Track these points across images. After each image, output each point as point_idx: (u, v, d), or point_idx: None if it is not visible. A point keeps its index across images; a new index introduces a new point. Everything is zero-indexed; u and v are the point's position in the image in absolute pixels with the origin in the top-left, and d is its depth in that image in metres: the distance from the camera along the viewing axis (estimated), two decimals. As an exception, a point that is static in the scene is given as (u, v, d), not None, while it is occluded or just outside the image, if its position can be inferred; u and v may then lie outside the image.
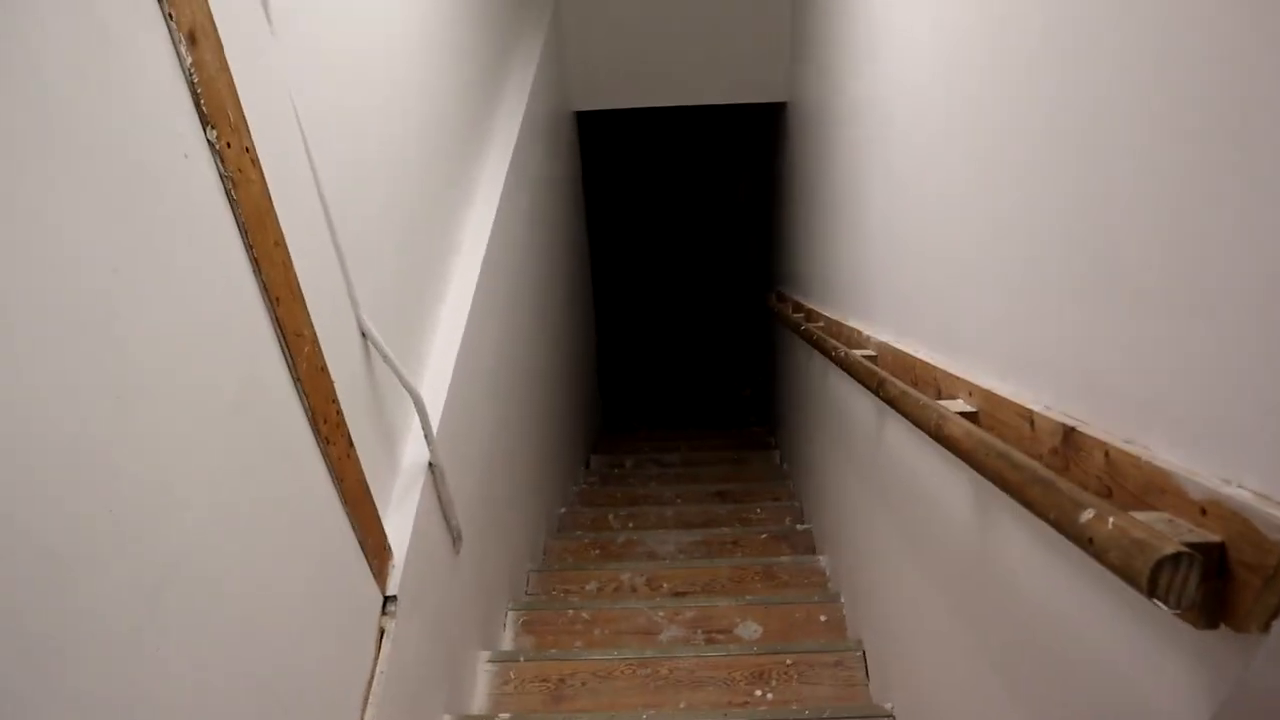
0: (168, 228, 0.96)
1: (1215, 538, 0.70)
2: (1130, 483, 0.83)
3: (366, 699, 1.53)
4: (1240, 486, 0.70)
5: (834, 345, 2.12)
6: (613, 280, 6.43)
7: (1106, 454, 0.87)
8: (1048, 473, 0.88)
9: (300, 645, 1.29)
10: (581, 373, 4.81)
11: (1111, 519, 0.73)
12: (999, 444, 1.01)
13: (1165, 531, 0.71)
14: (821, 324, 2.63)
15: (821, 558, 3.04)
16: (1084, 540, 0.76)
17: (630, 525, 3.75)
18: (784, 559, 3.11)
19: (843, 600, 2.63)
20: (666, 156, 6.34)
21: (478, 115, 2.67)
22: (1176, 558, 0.65)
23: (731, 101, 3.97)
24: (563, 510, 3.89)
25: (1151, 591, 0.66)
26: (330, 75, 1.54)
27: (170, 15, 0.95)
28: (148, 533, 0.89)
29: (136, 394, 0.88)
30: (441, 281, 2.23)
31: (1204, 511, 0.72)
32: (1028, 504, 0.89)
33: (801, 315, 3.04)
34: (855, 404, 2.26)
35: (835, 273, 2.62)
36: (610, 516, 3.85)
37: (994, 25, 1.23)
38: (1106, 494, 0.87)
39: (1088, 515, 0.76)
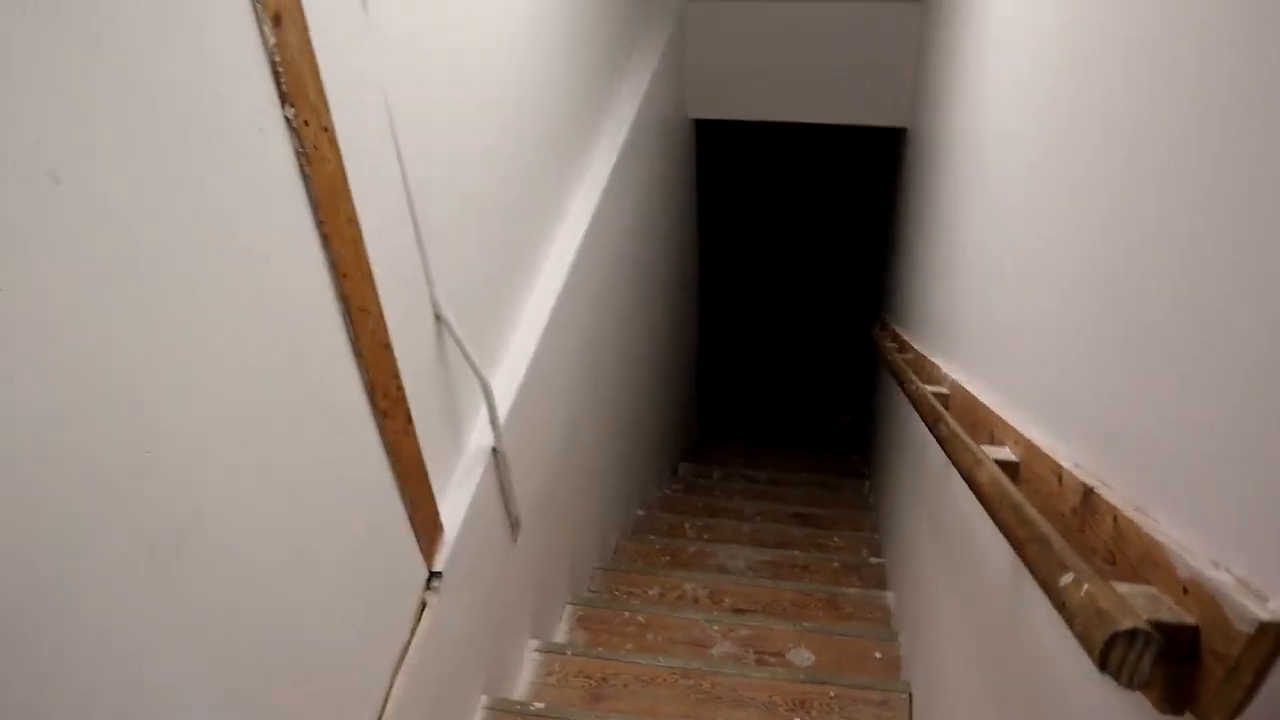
0: (236, 195, 1.02)
1: (1190, 620, 0.67)
2: (1131, 552, 0.80)
3: (399, 667, 1.58)
4: (1226, 570, 0.66)
5: (910, 378, 2.08)
6: (722, 291, 6.41)
7: (1115, 519, 0.84)
8: (1048, 531, 0.85)
9: (334, 606, 1.34)
10: (677, 381, 4.81)
11: (1086, 586, 0.70)
12: (1014, 496, 0.98)
13: (1143, 607, 0.68)
14: (910, 356, 2.58)
15: (889, 594, 2.97)
16: (1059, 604, 0.73)
17: (705, 536, 3.75)
18: (851, 590, 3.05)
19: (901, 640, 2.57)
20: (790, 172, 6.29)
21: (587, 111, 2.71)
22: (1132, 634, 0.62)
23: (851, 123, 3.91)
24: (641, 513, 3.91)
25: (1103, 665, 0.64)
26: (428, 58, 1.59)
27: (255, -1, 1.01)
28: (179, 479, 0.95)
29: (186, 346, 0.94)
30: (531, 274, 2.28)
31: (1186, 591, 0.69)
32: (1026, 561, 0.86)
33: (895, 346, 2.99)
34: (929, 441, 2.20)
35: (928, 305, 2.56)
36: (687, 525, 3.85)
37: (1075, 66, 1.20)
38: (1111, 561, 0.84)
39: (1066, 579, 0.73)
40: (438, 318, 1.69)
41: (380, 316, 1.42)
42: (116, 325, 0.84)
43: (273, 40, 1.06)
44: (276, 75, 1.09)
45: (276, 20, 1.07)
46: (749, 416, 6.73)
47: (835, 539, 3.68)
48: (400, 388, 1.51)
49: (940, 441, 1.46)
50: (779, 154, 6.12)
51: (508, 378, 2.09)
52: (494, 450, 1.95)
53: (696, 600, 3.00)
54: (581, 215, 2.60)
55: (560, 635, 2.66)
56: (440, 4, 1.63)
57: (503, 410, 1.97)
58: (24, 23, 0.71)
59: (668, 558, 3.44)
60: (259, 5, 1.03)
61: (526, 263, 2.23)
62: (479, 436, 1.95)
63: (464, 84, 1.76)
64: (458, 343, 1.75)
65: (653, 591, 3.05)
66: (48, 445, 0.76)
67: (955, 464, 1.28)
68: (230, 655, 1.07)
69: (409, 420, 1.56)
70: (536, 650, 2.39)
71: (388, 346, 1.45)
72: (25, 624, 0.75)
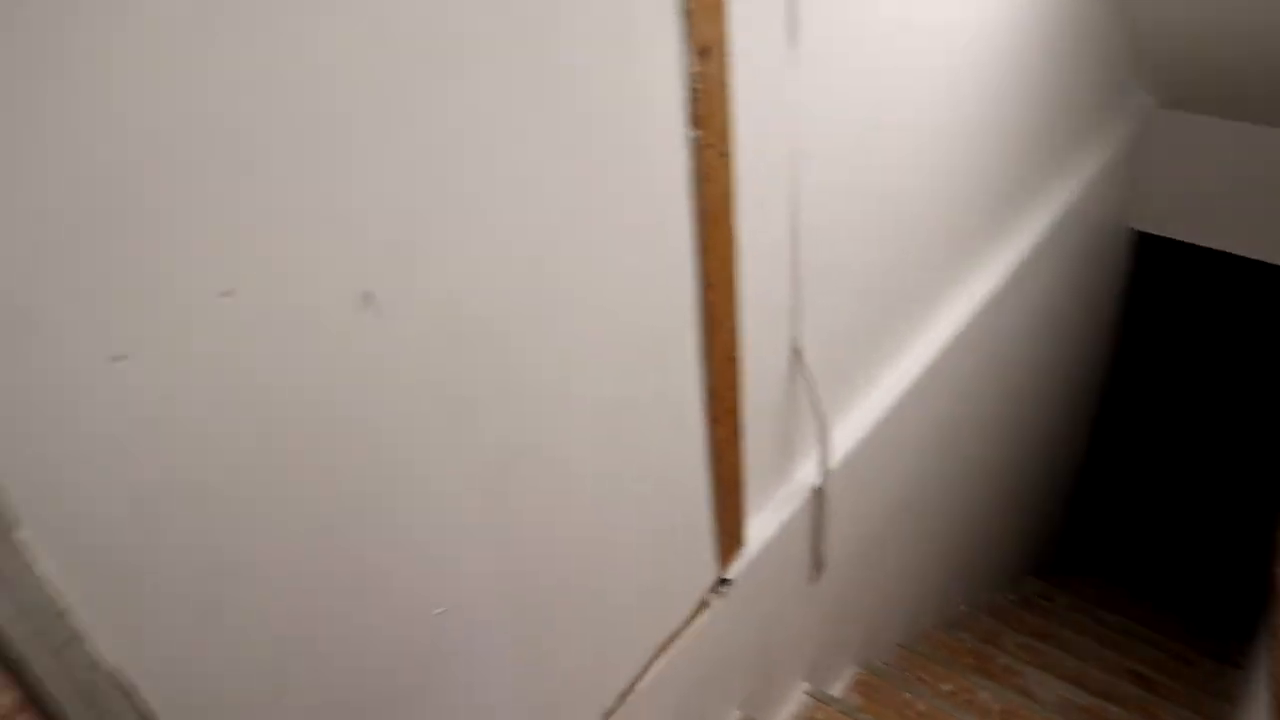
0: (633, 194, 1.21)
1: None
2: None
3: (663, 649, 1.71)
4: None
5: (1284, 562, 1.85)
6: (1127, 414, 5.83)
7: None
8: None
9: (626, 571, 1.52)
10: (1043, 493, 4.49)
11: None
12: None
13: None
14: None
15: (1206, 794, 2.62)
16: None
17: (1022, 655, 3.51)
18: (1162, 771, 2.73)
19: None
20: (1237, 310, 5.52)
21: (1006, 195, 2.60)
22: None
23: (1325, 276, 3.41)
24: (963, 609, 3.75)
25: None
26: (846, 98, 1.63)
27: (689, 33, 1.17)
28: (531, 412, 1.17)
29: (558, 310, 1.16)
30: (903, 340, 2.29)
31: None
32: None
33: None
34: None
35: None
36: (1007, 638, 3.64)
37: None
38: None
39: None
40: (794, 350, 1.79)
41: (733, 331, 1.54)
42: (509, 283, 1.07)
43: (695, 69, 1.21)
44: (694, 100, 1.24)
45: (703, 52, 1.20)
46: (1122, 554, 6.09)
47: (1168, 715, 3.29)
48: (736, 401, 1.63)
49: (1271, 630, 1.32)
50: (1224, 286, 5.40)
51: (851, 428, 2.13)
52: (817, 489, 2.02)
53: (987, 713, 2.85)
54: (973, 298, 2.52)
55: (835, 690, 2.67)
56: (870, 61, 1.67)
57: (837, 455, 2.03)
58: (506, 50, 0.95)
59: (972, 659, 3.29)
60: (690, 37, 1.18)
61: (900, 328, 2.24)
62: (808, 472, 2.02)
63: (876, 136, 1.79)
64: (807, 379, 1.84)
65: (945, 687, 2.94)
66: (442, 379, 1.01)
67: (1270, 659, 1.17)
68: (531, 571, 1.28)
69: (737, 433, 1.67)
70: (806, 693, 2.44)
71: (734, 360, 1.57)
72: (397, 507, 1.01)
